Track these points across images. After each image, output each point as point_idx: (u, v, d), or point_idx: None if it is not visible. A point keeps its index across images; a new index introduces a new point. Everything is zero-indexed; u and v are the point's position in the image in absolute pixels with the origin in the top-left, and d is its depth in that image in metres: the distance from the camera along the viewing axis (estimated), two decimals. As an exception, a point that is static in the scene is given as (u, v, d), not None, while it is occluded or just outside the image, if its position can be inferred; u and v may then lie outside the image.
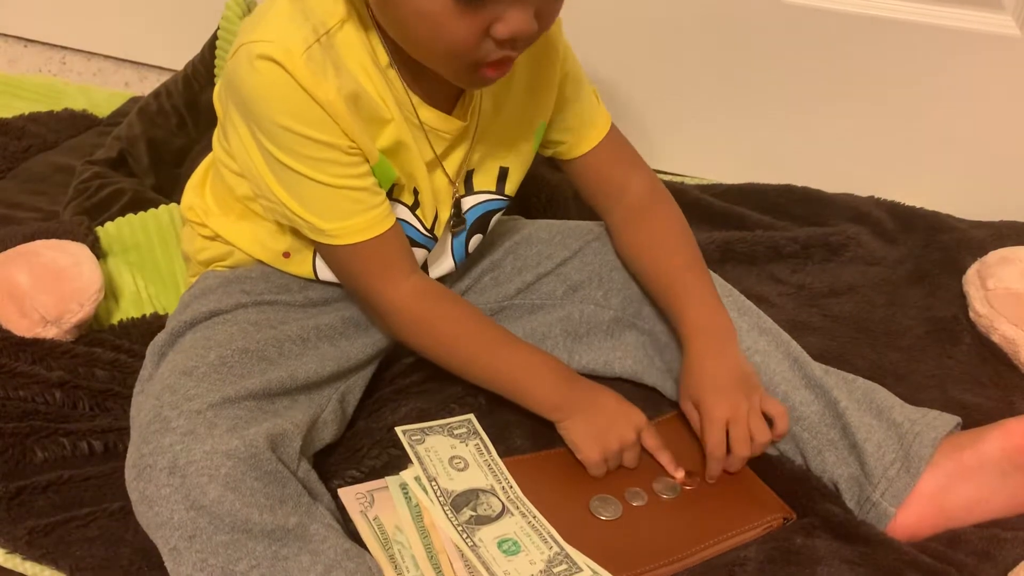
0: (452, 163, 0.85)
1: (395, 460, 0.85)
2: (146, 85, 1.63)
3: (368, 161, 0.78)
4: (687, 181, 1.36)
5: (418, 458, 0.82)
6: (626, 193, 0.94)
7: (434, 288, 0.85)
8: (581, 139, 0.93)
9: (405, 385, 0.93)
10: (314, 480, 0.77)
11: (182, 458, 0.68)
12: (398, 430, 0.84)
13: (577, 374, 0.88)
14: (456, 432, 0.86)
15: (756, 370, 0.86)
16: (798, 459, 0.87)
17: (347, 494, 0.81)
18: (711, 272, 0.93)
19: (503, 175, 0.90)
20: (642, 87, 1.38)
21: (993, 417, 0.91)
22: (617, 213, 0.94)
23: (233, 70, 0.74)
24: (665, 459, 0.85)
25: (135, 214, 1.11)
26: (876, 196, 1.28)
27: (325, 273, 0.88)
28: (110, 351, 0.95)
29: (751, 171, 1.34)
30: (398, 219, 0.83)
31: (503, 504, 0.79)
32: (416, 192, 0.84)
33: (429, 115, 0.81)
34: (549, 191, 1.21)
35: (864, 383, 0.88)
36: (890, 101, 1.27)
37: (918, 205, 1.26)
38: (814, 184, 1.29)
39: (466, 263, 0.96)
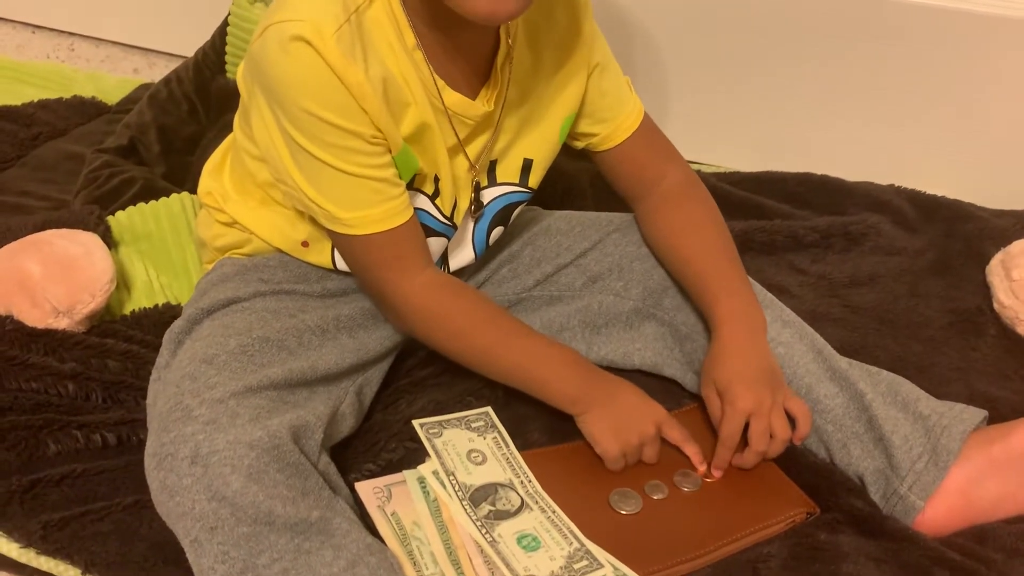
0: (474, 148, 0.84)
1: (412, 453, 0.84)
2: (155, 71, 1.62)
3: (391, 151, 0.77)
4: (704, 169, 1.34)
5: (435, 451, 0.81)
6: (660, 182, 0.92)
7: (448, 282, 0.84)
8: (614, 130, 0.91)
9: (422, 377, 0.92)
10: (334, 473, 0.76)
11: (204, 447, 0.67)
12: (415, 423, 0.83)
13: (596, 367, 0.87)
14: (474, 425, 0.85)
15: (780, 362, 0.85)
16: (822, 452, 0.86)
17: (364, 488, 0.79)
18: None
19: (527, 167, 0.89)
20: (660, 74, 1.36)
21: (1019, 411, 0.91)
22: (651, 200, 0.92)
23: (261, 51, 0.73)
24: (691, 451, 0.84)
25: (146, 203, 1.10)
26: (896, 184, 1.26)
27: (344, 263, 0.86)
28: (122, 342, 0.95)
29: (769, 159, 1.32)
30: (417, 208, 0.82)
31: (522, 499, 0.78)
32: (437, 180, 0.83)
33: (453, 99, 0.79)
34: (566, 181, 1.20)
35: (889, 376, 0.87)
36: (910, 87, 1.25)
37: (939, 194, 1.24)
38: (833, 172, 1.27)
39: (485, 255, 0.95)
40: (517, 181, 0.89)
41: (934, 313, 1.06)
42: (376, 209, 0.77)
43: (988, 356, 1.00)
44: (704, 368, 0.85)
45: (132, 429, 0.86)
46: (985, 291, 1.08)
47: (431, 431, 0.83)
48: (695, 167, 1.34)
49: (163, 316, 0.98)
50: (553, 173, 1.19)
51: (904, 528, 0.79)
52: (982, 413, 0.84)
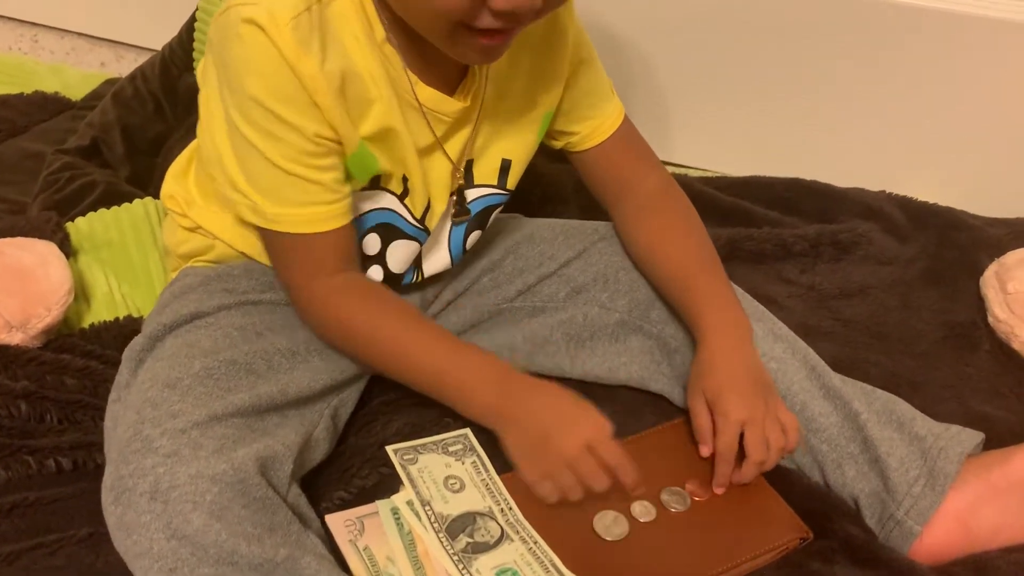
0: (454, 147, 0.80)
1: (387, 480, 0.80)
2: (123, 65, 1.57)
3: (342, 152, 0.73)
4: (691, 173, 1.32)
5: (410, 480, 0.77)
6: (638, 188, 0.89)
7: (358, 285, 0.78)
8: (594, 130, 0.88)
9: (397, 397, 0.88)
10: (304, 505, 0.73)
11: (165, 482, 0.63)
12: (388, 449, 0.78)
13: (526, 376, 0.76)
14: (451, 449, 0.80)
15: (773, 379, 0.82)
16: (815, 473, 0.83)
17: (335, 521, 0.75)
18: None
19: (505, 167, 0.85)
20: (645, 75, 1.33)
21: (1015, 431, 0.89)
22: (627, 207, 0.90)
23: (216, 32, 0.70)
24: (626, 478, 0.72)
25: (108, 209, 1.06)
26: (887, 191, 1.24)
27: None
28: (80, 357, 0.90)
29: (757, 163, 1.30)
30: (384, 208, 0.79)
31: (502, 528, 0.74)
32: (405, 180, 0.79)
33: (428, 95, 0.76)
34: (549, 186, 1.16)
35: (883, 395, 0.84)
36: (902, 90, 1.23)
37: (931, 200, 1.22)
38: (823, 177, 1.25)
39: (463, 262, 0.91)
40: (495, 183, 0.85)
41: (927, 327, 1.04)
42: (304, 210, 0.73)
43: (982, 372, 0.97)
44: (691, 379, 0.81)
45: (89, 453, 0.81)
46: (979, 304, 1.05)
47: (405, 457, 0.78)
48: (681, 170, 1.33)
49: (124, 329, 0.94)
50: (535, 177, 1.17)
51: (901, 559, 0.76)
52: (979, 435, 0.82)
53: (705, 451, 0.79)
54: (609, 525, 0.77)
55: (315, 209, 0.73)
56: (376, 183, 0.78)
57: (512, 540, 0.73)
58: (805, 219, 1.19)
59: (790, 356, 0.84)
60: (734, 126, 1.33)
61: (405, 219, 0.80)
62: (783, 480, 0.82)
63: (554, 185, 1.17)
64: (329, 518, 0.75)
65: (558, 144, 0.91)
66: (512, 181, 0.86)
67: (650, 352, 0.91)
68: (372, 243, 0.82)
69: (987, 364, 0.98)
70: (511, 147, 0.85)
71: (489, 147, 0.83)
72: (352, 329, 0.77)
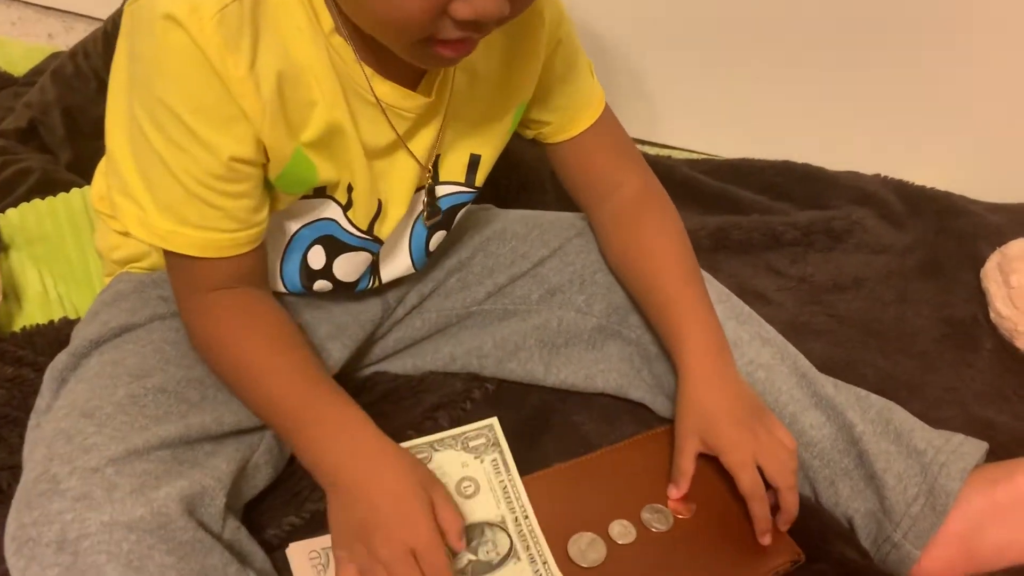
0: (421, 144, 0.73)
1: (342, 502, 0.73)
2: (72, 37, 1.49)
3: (261, 176, 0.65)
4: (675, 155, 1.26)
5: None
6: (617, 188, 0.83)
7: (242, 302, 0.69)
8: (570, 120, 0.81)
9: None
10: (244, 539, 0.66)
11: (73, 530, 0.57)
12: (403, 446, 0.72)
13: (376, 436, 0.66)
14: (472, 444, 0.76)
15: (760, 388, 0.78)
16: (806, 489, 0.79)
17: (298, 553, 0.68)
18: (705, 273, 0.84)
19: (473, 164, 0.78)
20: (631, 52, 1.27)
21: (1020, 437, 0.86)
22: (605, 211, 0.84)
23: (129, 20, 0.61)
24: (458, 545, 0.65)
25: (43, 199, 0.99)
26: (882, 174, 1.20)
27: None
28: (10, 365, 0.83)
29: (746, 144, 1.25)
30: (326, 219, 0.72)
31: (512, 542, 0.69)
32: (350, 189, 0.71)
33: (387, 90, 0.68)
34: (524, 171, 1.10)
35: (879, 401, 0.79)
36: (898, 69, 1.18)
37: (928, 185, 1.18)
38: (815, 160, 1.21)
39: (430, 262, 0.85)
40: (463, 180, 0.78)
41: (925, 323, 0.99)
42: (198, 233, 0.64)
43: (984, 374, 0.93)
44: (681, 414, 0.75)
45: (15, 475, 0.73)
46: (980, 297, 1.01)
47: (419, 456, 0.72)
48: (665, 152, 1.27)
49: (61, 333, 0.87)
50: (509, 163, 1.10)
51: None
52: (983, 446, 0.77)
53: (675, 494, 0.75)
54: (584, 549, 0.73)
55: (213, 235, 0.65)
56: (321, 192, 0.71)
57: (519, 559, 0.69)
58: (796, 205, 1.15)
59: (779, 362, 0.80)
60: (722, 105, 1.28)
61: (348, 232, 0.74)
62: (772, 496, 0.75)
63: (532, 171, 1.11)
64: (292, 548, 0.69)
65: (530, 133, 0.84)
66: (481, 178, 0.80)
67: (629, 359, 0.86)
68: (317, 257, 0.75)
69: (989, 364, 0.94)
70: (482, 141, 0.78)
71: (458, 141, 0.77)
72: (216, 349, 0.69)
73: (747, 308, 0.84)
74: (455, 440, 0.76)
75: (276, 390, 0.66)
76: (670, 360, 0.80)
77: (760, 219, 1.10)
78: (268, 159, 0.64)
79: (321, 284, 0.76)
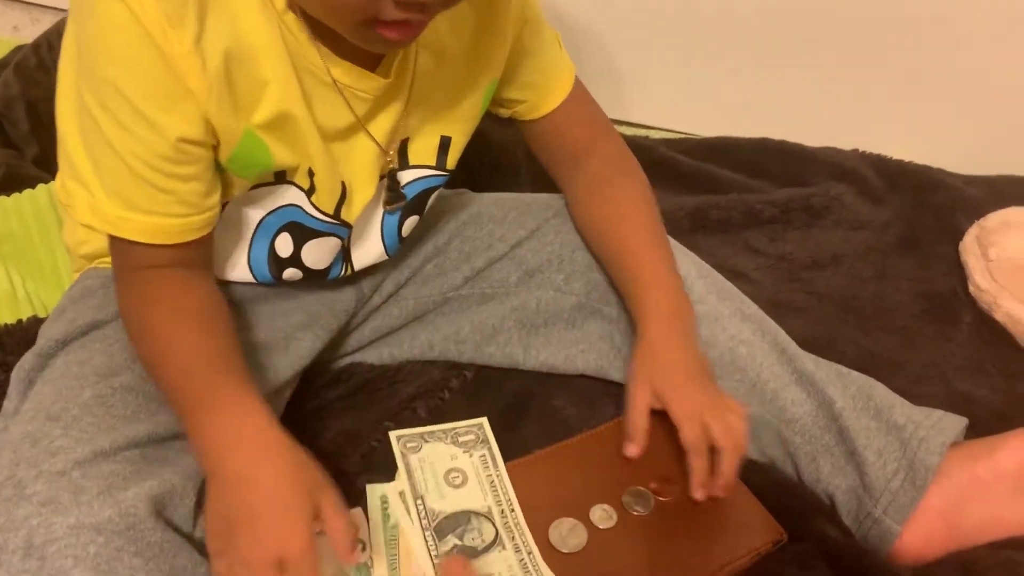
0: (381, 127, 0.71)
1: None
2: (38, 29, 1.45)
3: (212, 157, 0.64)
4: (653, 134, 1.25)
5: (407, 470, 0.72)
6: (590, 159, 0.83)
7: (170, 280, 0.67)
8: (544, 97, 0.80)
9: (331, 399, 0.81)
10: None
11: (39, 535, 0.55)
12: (392, 435, 0.73)
13: (275, 431, 0.61)
14: (462, 439, 0.75)
15: (742, 364, 0.78)
16: (788, 466, 0.78)
17: None
18: (686, 249, 0.84)
19: (444, 146, 0.77)
20: (604, 31, 1.25)
21: (1000, 411, 0.86)
22: (579, 182, 0.83)
23: (75, 1, 0.60)
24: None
25: (8, 196, 0.97)
26: (860, 149, 1.19)
27: (223, 272, 0.75)
28: (-22, 367, 0.82)
29: (723, 122, 1.24)
30: (291, 205, 0.71)
31: (497, 532, 0.69)
32: (312, 174, 0.70)
33: (343, 70, 0.66)
34: (496, 152, 1.08)
35: (860, 377, 0.79)
36: (873, 43, 1.17)
37: (906, 159, 1.17)
38: (792, 137, 1.20)
39: (404, 247, 0.83)
40: (433, 163, 0.77)
41: (904, 298, 0.99)
42: (147, 218, 0.63)
43: (964, 348, 0.93)
44: (634, 368, 0.74)
45: (-15, 478, 0.73)
46: (959, 271, 1.01)
47: (408, 445, 0.73)
48: (643, 131, 1.26)
49: (29, 332, 0.85)
50: (481, 144, 1.08)
51: (882, 563, 0.72)
52: (962, 421, 0.77)
53: (633, 450, 0.73)
54: (565, 535, 0.72)
55: (163, 220, 0.63)
56: (282, 177, 0.69)
57: (504, 548, 0.68)
58: (774, 182, 1.14)
59: (759, 338, 0.79)
60: (699, 84, 1.27)
61: (314, 216, 0.72)
62: (754, 474, 0.76)
63: (505, 152, 1.09)
64: None
65: (505, 113, 0.83)
66: (452, 160, 0.78)
67: (609, 338, 0.85)
68: (284, 244, 0.74)
69: (969, 338, 0.94)
70: (451, 123, 0.76)
71: (426, 123, 0.75)
72: (137, 324, 0.66)
73: (728, 284, 0.83)
74: (445, 434, 0.76)
75: (181, 370, 0.62)
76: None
77: (738, 197, 1.09)
78: (218, 140, 0.62)
79: (291, 272, 0.75)
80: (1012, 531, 0.73)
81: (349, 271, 0.79)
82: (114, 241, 0.65)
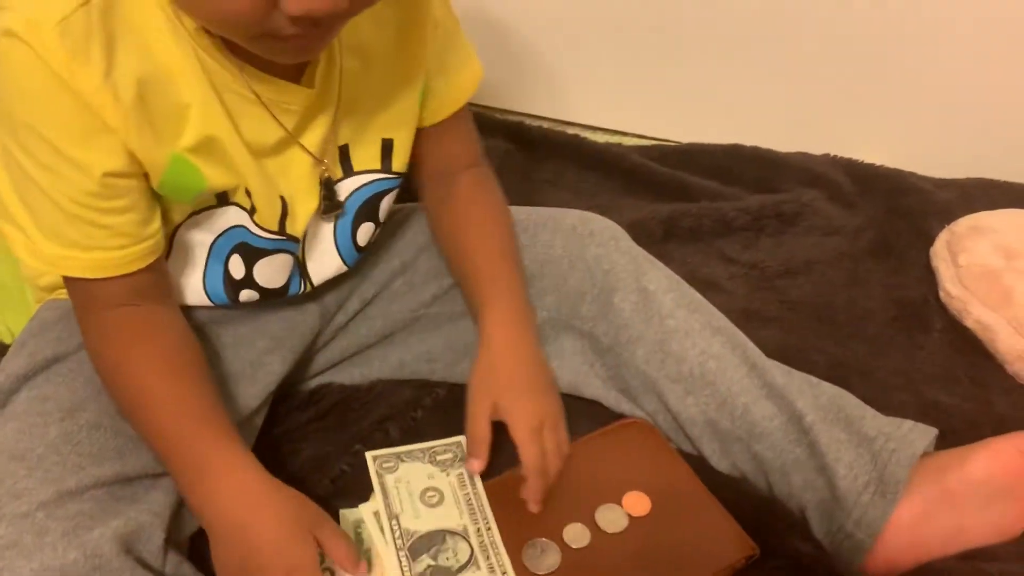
0: (314, 137, 0.69)
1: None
2: None
3: (144, 186, 0.63)
4: (626, 140, 1.24)
5: (383, 490, 0.71)
6: (461, 176, 0.83)
7: (136, 322, 0.67)
8: (442, 103, 0.78)
9: (302, 422, 0.81)
10: (188, 573, 0.65)
11: None
12: (368, 455, 0.73)
13: (262, 477, 0.64)
14: (439, 458, 0.75)
15: (712, 378, 0.78)
16: (760, 480, 0.78)
17: None
18: (656, 260, 0.84)
19: (387, 149, 0.76)
20: (576, 36, 1.24)
21: (971, 419, 0.86)
22: (440, 189, 0.83)
23: None
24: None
25: None
26: (832, 154, 1.19)
27: (180, 297, 0.74)
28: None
29: (695, 128, 1.24)
30: (236, 227, 0.70)
31: (472, 551, 0.69)
32: (249, 193, 0.68)
33: (265, 85, 0.64)
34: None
35: (830, 389, 0.79)
36: (844, 47, 1.17)
37: (877, 162, 1.17)
38: (764, 142, 1.20)
39: (366, 263, 0.83)
40: (379, 167, 0.76)
41: (876, 305, 0.99)
42: (87, 255, 0.62)
43: (935, 355, 0.93)
44: (475, 380, 0.75)
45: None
46: (930, 277, 1.01)
47: (385, 465, 0.73)
48: (616, 138, 1.25)
49: None
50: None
51: None
52: (932, 432, 0.76)
53: (477, 466, 0.74)
54: (538, 556, 0.72)
55: (103, 255, 0.62)
56: (224, 199, 0.68)
57: (479, 568, 0.68)
58: (746, 189, 1.14)
59: (729, 351, 0.79)
60: (670, 89, 1.26)
61: (259, 236, 0.71)
62: (726, 489, 0.77)
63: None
64: None
65: None
66: (399, 163, 0.77)
67: (582, 353, 0.85)
68: (236, 266, 0.73)
69: (940, 346, 0.94)
70: (390, 125, 0.75)
71: (364, 128, 0.74)
72: (112, 374, 0.66)
73: (698, 296, 0.83)
74: (423, 453, 0.75)
75: (164, 427, 0.63)
76: (622, 351, 0.80)
77: (710, 205, 1.09)
78: (145, 169, 0.62)
79: (247, 294, 0.74)
80: (981, 541, 0.73)
81: (308, 287, 0.78)
82: (70, 284, 0.65)
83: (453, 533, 0.69)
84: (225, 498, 0.62)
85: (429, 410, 0.83)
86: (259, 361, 0.76)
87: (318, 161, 0.70)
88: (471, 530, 0.70)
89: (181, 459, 0.63)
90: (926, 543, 0.73)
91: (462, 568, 0.67)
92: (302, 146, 0.69)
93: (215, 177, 0.65)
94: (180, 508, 0.66)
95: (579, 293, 0.82)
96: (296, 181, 0.70)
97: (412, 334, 0.86)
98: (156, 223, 0.65)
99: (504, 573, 0.68)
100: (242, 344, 0.76)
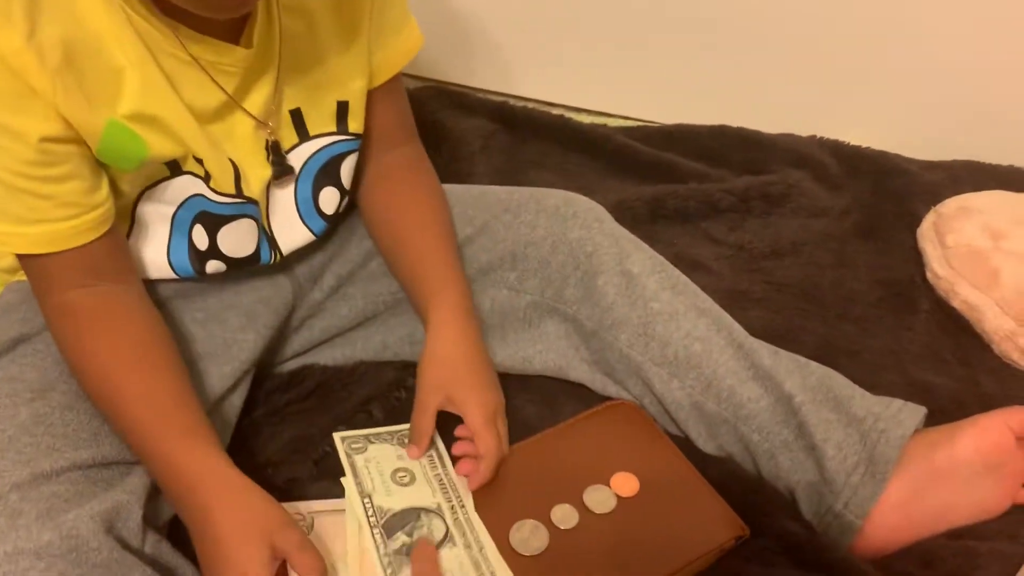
0: (256, 102, 0.68)
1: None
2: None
3: (84, 152, 0.61)
4: (610, 122, 1.23)
5: (354, 470, 0.70)
6: (391, 150, 0.81)
7: (94, 305, 0.65)
8: (379, 67, 0.76)
9: (281, 404, 0.79)
10: (168, 552, 0.63)
11: None
12: (336, 436, 0.73)
13: (228, 471, 0.63)
14: (407, 441, 0.74)
15: (698, 361, 0.77)
16: (748, 464, 0.78)
17: None
18: (640, 242, 0.82)
19: (342, 111, 0.74)
20: (560, 18, 1.22)
21: (958, 398, 0.85)
22: (379, 165, 0.81)
23: None
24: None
25: None
26: (818, 135, 1.18)
27: (147, 272, 0.72)
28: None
29: (681, 110, 1.22)
30: (195, 196, 0.68)
31: (447, 528, 0.68)
32: (201, 161, 0.66)
33: (202, 47, 0.62)
34: (453, 144, 1.05)
35: (819, 369, 0.78)
36: (830, 29, 1.15)
37: (864, 144, 1.16)
38: (750, 124, 1.18)
39: (342, 239, 0.81)
40: (335, 129, 0.74)
41: (863, 286, 0.98)
42: (32, 228, 0.61)
43: (922, 336, 0.92)
44: (425, 372, 0.74)
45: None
46: (917, 257, 1.00)
47: (353, 446, 0.73)
48: (601, 119, 1.24)
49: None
50: (436, 134, 1.07)
51: (844, 558, 0.70)
52: (921, 411, 0.76)
53: (415, 453, 0.74)
54: (527, 538, 0.71)
55: (51, 227, 0.61)
56: (177, 169, 0.66)
57: (455, 545, 0.68)
58: (733, 170, 1.13)
59: (715, 333, 0.78)
60: (656, 71, 1.24)
61: (219, 202, 0.69)
62: (714, 470, 0.76)
63: (460, 143, 1.07)
64: None
65: None
66: (355, 124, 0.75)
67: (567, 336, 0.84)
68: (200, 236, 0.71)
69: (927, 326, 0.93)
70: (342, 85, 0.73)
71: (318, 90, 0.72)
72: (80, 364, 0.64)
73: (683, 277, 0.82)
74: (391, 435, 0.75)
75: (135, 418, 0.62)
76: (607, 335, 0.79)
77: (697, 187, 1.08)
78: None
79: (214, 265, 0.72)
80: (969, 519, 0.74)
81: (278, 257, 0.76)
82: (26, 266, 0.63)
83: (427, 511, 0.69)
84: (187, 483, 0.61)
85: (412, 391, 0.82)
86: (232, 338, 0.75)
87: (262, 124, 0.68)
88: (445, 507, 0.70)
89: (150, 452, 0.62)
90: (915, 522, 0.73)
91: (439, 545, 0.67)
92: (244, 110, 0.67)
93: (159, 145, 0.63)
94: (157, 491, 0.65)
95: (563, 276, 0.81)
96: (242, 146, 0.68)
97: (394, 315, 0.85)
98: (104, 191, 0.63)
99: (481, 548, 0.67)
100: (213, 320, 0.75)
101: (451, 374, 0.73)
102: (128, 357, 0.64)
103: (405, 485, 0.70)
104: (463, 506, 0.70)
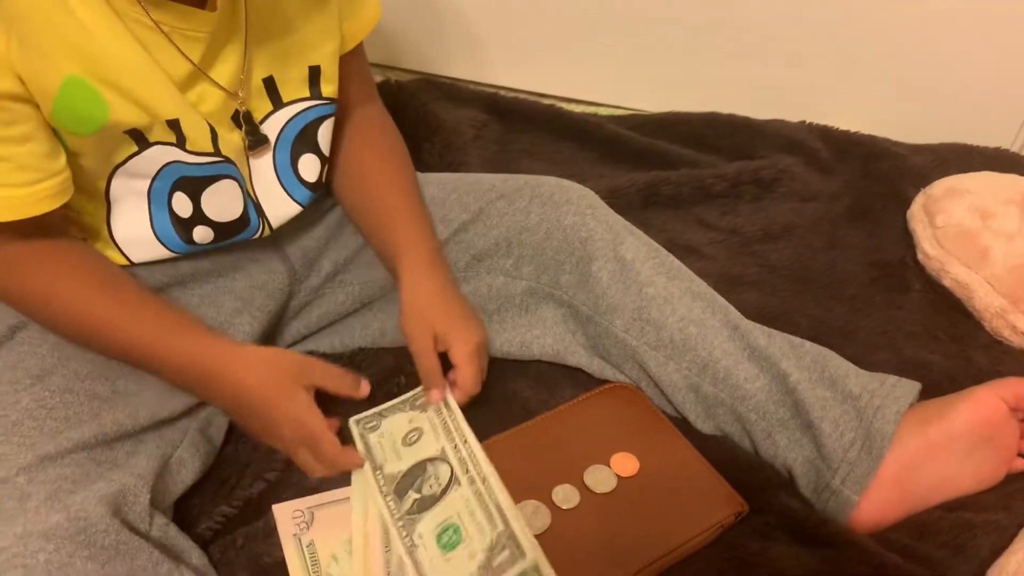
0: (224, 72, 0.67)
1: (274, 487, 0.73)
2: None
3: (38, 116, 0.59)
4: (601, 111, 1.23)
5: (368, 450, 0.73)
6: (355, 112, 0.82)
7: (46, 247, 0.65)
8: (348, 33, 0.76)
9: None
10: (174, 535, 0.64)
11: None
12: (351, 421, 0.75)
13: (233, 355, 0.68)
14: (419, 401, 0.76)
15: (693, 344, 0.77)
16: (746, 443, 0.78)
17: (283, 512, 0.70)
18: (634, 228, 0.83)
19: (314, 76, 0.74)
20: (548, 7, 1.22)
21: (951, 375, 0.86)
22: (345, 128, 0.82)
23: None
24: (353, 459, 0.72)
25: None
26: (808, 121, 1.19)
27: (138, 253, 0.71)
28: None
29: (672, 98, 1.23)
30: (170, 163, 0.67)
31: (452, 469, 0.69)
32: (177, 125, 0.65)
33: (164, 13, 0.61)
34: (445, 134, 1.06)
35: (813, 348, 0.79)
36: (817, 14, 1.16)
37: (853, 129, 1.17)
38: (740, 110, 1.19)
39: (337, 223, 0.81)
40: (308, 94, 0.74)
41: (855, 267, 0.99)
42: None
43: (915, 315, 0.93)
44: (409, 318, 0.75)
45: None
46: (907, 239, 1.01)
47: (368, 426, 0.75)
48: (591, 108, 1.24)
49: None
50: (428, 124, 1.07)
51: (842, 532, 0.71)
52: (915, 387, 0.77)
53: (437, 395, 0.75)
54: (529, 518, 0.72)
55: (9, 192, 0.59)
56: (144, 142, 0.65)
57: (459, 485, 0.68)
58: (724, 157, 1.14)
59: (710, 316, 0.79)
60: (646, 60, 1.25)
61: (196, 163, 0.68)
62: (713, 449, 0.77)
63: (453, 133, 1.07)
64: (276, 508, 0.70)
65: None
66: (329, 88, 0.75)
67: (564, 322, 0.84)
68: (182, 204, 0.70)
69: (919, 305, 0.94)
70: (313, 50, 0.73)
71: (288, 56, 0.71)
72: (36, 310, 0.64)
73: (676, 262, 0.82)
74: (404, 404, 0.76)
75: (126, 341, 0.65)
76: (602, 320, 0.80)
77: (689, 172, 1.08)
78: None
79: (201, 232, 0.71)
80: (964, 491, 0.75)
81: (268, 229, 0.76)
82: None
83: (433, 459, 0.70)
84: (221, 377, 0.66)
85: (412, 376, 0.82)
86: (228, 322, 0.75)
87: (232, 95, 0.68)
88: (448, 449, 0.71)
89: (156, 363, 0.65)
90: (911, 496, 0.74)
91: (445, 490, 0.68)
92: (212, 80, 0.66)
93: (121, 110, 0.61)
94: (163, 472, 0.65)
95: (558, 262, 0.82)
96: (212, 115, 0.67)
97: (392, 302, 0.84)
98: (62, 160, 0.62)
99: (484, 480, 0.68)
100: (208, 304, 0.75)
101: (433, 314, 0.74)
102: (96, 284, 0.64)
103: (413, 444, 0.72)
104: (465, 441, 0.71)
